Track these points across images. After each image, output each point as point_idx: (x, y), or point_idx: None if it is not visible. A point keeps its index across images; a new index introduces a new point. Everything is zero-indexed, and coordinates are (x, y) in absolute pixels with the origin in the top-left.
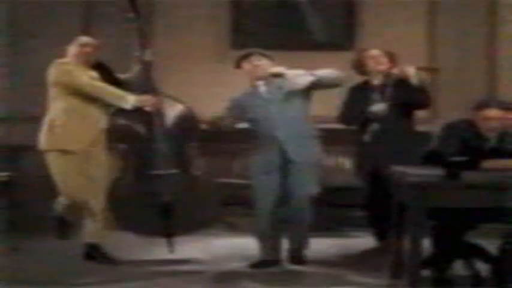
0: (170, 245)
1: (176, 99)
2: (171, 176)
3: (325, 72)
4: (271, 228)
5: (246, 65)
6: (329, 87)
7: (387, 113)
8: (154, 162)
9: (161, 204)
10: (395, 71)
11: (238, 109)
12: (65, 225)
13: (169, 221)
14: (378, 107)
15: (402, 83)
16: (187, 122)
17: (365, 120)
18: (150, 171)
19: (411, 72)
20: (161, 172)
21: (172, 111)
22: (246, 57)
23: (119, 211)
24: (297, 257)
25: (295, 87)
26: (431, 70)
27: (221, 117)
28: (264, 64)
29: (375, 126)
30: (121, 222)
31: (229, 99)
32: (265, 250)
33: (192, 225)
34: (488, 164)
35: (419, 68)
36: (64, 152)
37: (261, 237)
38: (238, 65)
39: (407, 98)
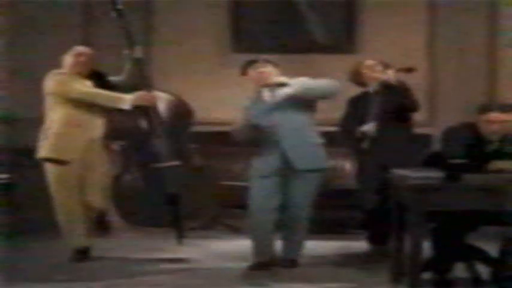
0: (179, 236)
1: (168, 92)
2: (173, 168)
3: (314, 83)
4: (265, 230)
5: (252, 72)
6: (319, 99)
7: (376, 132)
8: (156, 156)
9: (167, 196)
10: (381, 77)
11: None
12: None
13: (176, 212)
14: (368, 127)
15: (389, 89)
16: (182, 112)
17: (357, 139)
18: (152, 165)
19: (389, 75)
20: (163, 165)
21: (166, 104)
22: (251, 64)
23: (125, 207)
24: (290, 261)
25: (278, 99)
26: (408, 70)
27: (239, 130)
28: (269, 71)
29: (370, 139)
30: (128, 218)
31: (241, 110)
32: (259, 252)
33: (198, 213)
34: (493, 166)
35: (398, 70)
36: (58, 161)
37: (255, 239)
38: (243, 72)
39: (394, 102)
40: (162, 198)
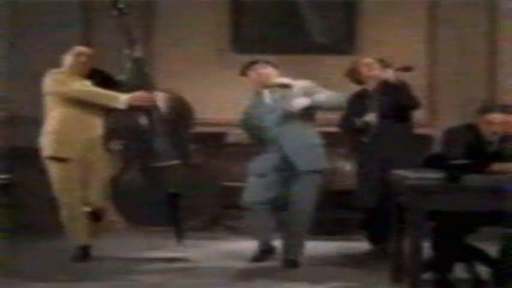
0: (179, 235)
1: (168, 91)
2: (173, 167)
3: (326, 97)
4: (261, 218)
5: (251, 73)
6: (329, 110)
7: (378, 122)
8: (156, 155)
9: (167, 196)
10: (380, 75)
11: (250, 121)
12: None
13: (176, 211)
14: (369, 116)
15: (389, 87)
16: (182, 111)
17: (359, 130)
18: (153, 164)
19: (389, 74)
20: (164, 164)
21: (167, 103)
22: (250, 65)
23: (125, 206)
24: (291, 261)
25: (290, 110)
26: (406, 69)
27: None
28: (268, 72)
29: (373, 130)
30: (128, 217)
31: (242, 114)
32: (260, 240)
33: (198, 212)
34: (495, 167)
35: (396, 69)
36: (59, 159)
37: (254, 228)
38: (243, 73)
39: (395, 100)
40: (162, 198)
